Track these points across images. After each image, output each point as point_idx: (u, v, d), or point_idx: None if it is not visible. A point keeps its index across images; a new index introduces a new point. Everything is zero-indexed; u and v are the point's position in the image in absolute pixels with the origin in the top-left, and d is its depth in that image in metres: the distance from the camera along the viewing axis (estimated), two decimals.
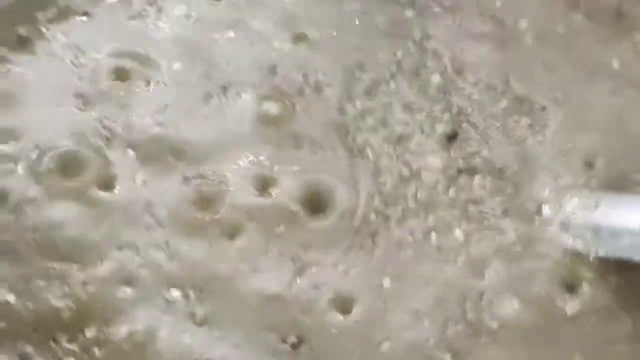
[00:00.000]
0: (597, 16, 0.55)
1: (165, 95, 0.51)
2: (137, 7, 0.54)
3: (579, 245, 0.47)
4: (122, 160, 0.48)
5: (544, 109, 0.52)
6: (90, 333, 0.44)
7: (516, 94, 0.52)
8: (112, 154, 0.48)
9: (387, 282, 0.46)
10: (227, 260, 0.46)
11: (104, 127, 0.49)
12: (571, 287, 0.46)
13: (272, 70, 0.52)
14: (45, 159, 0.48)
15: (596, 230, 0.46)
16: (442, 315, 0.45)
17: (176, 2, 0.54)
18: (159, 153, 0.48)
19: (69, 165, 0.48)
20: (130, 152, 0.48)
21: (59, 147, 0.48)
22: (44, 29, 0.52)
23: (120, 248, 0.46)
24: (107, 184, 0.48)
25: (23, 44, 0.52)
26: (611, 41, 0.54)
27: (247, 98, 0.51)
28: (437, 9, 0.54)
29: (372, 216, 0.47)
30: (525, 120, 0.51)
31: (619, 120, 0.51)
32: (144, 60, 0.52)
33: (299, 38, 0.53)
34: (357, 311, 0.45)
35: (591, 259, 0.46)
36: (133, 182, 0.48)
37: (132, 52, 0.52)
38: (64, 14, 0.53)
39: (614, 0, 0.56)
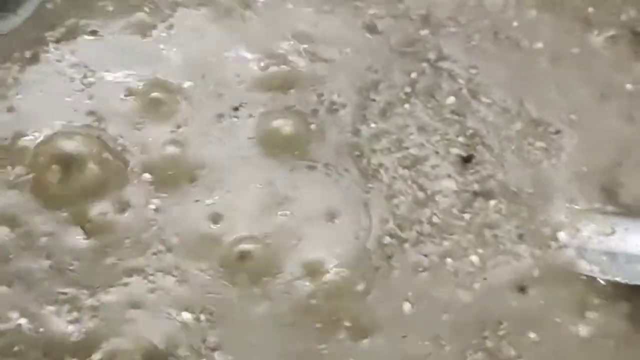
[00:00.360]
0: (611, 37, 0.55)
1: (177, 115, 0.50)
2: (148, 24, 0.54)
3: (595, 271, 0.46)
4: (137, 184, 0.48)
5: (558, 131, 0.51)
6: (98, 357, 0.43)
7: (531, 116, 0.51)
8: (129, 177, 0.48)
9: (407, 307, 0.45)
10: (239, 284, 0.46)
11: (120, 145, 0.49)
12: (585, 313, 0.45)
13: (285, 89, 0.51)
14: None
15: (612, 255, 0.46)
16: (461, 342, 0.45)
17: (187, 19, 0.54)
18: (173, 177, 0.48)
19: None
20: (147, 176, 0.48)
21: None
22: (52, 49, 0.52)
23: (129, 275, 0.45)
24: (121, 208, 0.47)
25: (32, 63, 0.52)
26: (626, 62, 0.54)
27: (260, 118, 0.50)
28: (452, 29, 0.54)
29: (387, 239, 0.47)
30: (540, 143, 0.51)
31: (634, 143, 0.51)
32: (154, 79, 0.51)
33: (313, 57, 0.52)
34: (376, 336, 0.44)
35: (603, 283, 0.46)
36: (145, 207, 0.47)
37: (142, 70, 0.52)
38: (72, 33, 0.53)
39: (629, 21, 0.56)
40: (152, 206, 0.47)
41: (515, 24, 0.55)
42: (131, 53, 0.53)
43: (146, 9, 0.54)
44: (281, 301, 0.45)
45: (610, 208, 0.48)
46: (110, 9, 0.54)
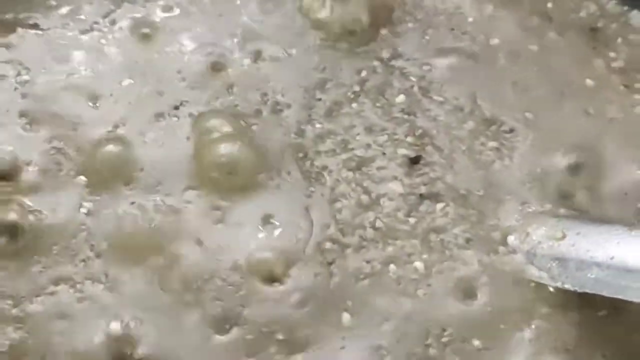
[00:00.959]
0: (570, 33, 0.53)
1: (116, 115, 0.48)
2: (89, 20, 0.52)
3: (544, 277, 0.44)
4: (71, 187, 0.46)
5: (512, 130, 0.49)
6: None
7: (484, 115, 0.49)
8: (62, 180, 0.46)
9: (346, 317, 0.43)
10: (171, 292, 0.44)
11: (54, 148, 0.47)
12: (532, 321, 0.44)
13: (229, 88, 0.50)
14: None
15: (563, 261, 0.44)
16: (403, 352, 0.43)
17: (129, 14, 0.52)
18: (108, 179, 0.46)
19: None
20: (82, 179, 0.46)
21: None
22: None
23: (56, 283, 0.43)
24: (51, 213, 0.45)
25: None
26: (585, 59, 0.52)
27: (201, 116, 0.48)
28: (410, 24, 0.52)
29: (328, 245, 0.45)
30: (492, 143, 0.49)
31: (591, 143, 0.49)
32: (93, 76, 0.49)
33: (257, 55, 0.51)
34: (311, 350, 0.42)
35: (552, 290, 0.44)
36: (77, 211, 0.45)
37: (82, 67, 0.50)
38: (10, 26, 0.51)
39: (588, 17, 0.54)
40: (84, 210, 0.45)
41: (470, 19, 0.53)
42: (71, 49, 0.51)
43: (89, 3, 0.53)
44: (213, 309, 0.43)
45: (563, 211, 0.47)
46: (53, 2, 0.53)
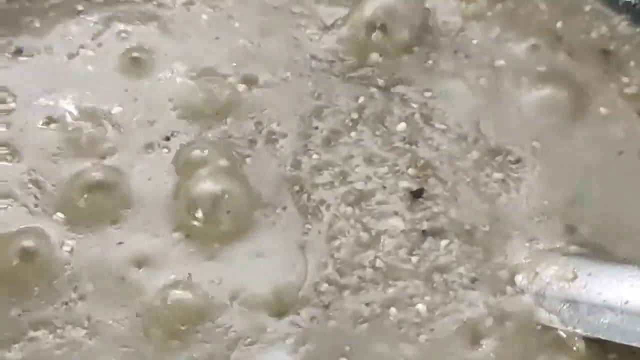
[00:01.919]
0: (581, 55, 0.51)
1: (102, 145, 0.46)
2: (76, 43, 0.49)
3: (554, 321, 0.42)
4: (49, 225, 0.43)
5: (519, 161, 0.47)
6: None
7: (489, 145, 0.47)
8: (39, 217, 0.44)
9: None
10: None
11: (32, 181, 0.45)
12: None
13: (222, 117, 0.47)
14: None
15: (574, 304, 0.41)
16: None
17: (117, 37, 0.50)
18: (91, 217, 0.44)
19: None
20: (60, 215, 0.44)
21: None
22: None
23: (35, 328, 0.41)
24: (28, 253, 0.42)
25: None
26: (597, 83, 0.50)
27: (192, 149, 0.46)
28: (416, 48, 0.50)
29: (324, 286, 0.43)
30: (498, 175, 0.46)
31: (602, 174, 0.47)
32: (80, 104, 0.47)
33: (252, 80, 0.48)
34: None
35: (564, 335, 0.42)
36: (59, 249, 0.43)
37: (68, 94, 0.47)
38: None
39: (600, 39, 0.51)
40: (67, 248, 0.43)
41: (475, 41, 0.50)
42: (57, 75, 0.48)
43: (77, 24, 0.50)
44: (200, 353, 0.40)
45: (574, 248, 0.44)
46: (37, 25, 0.50)
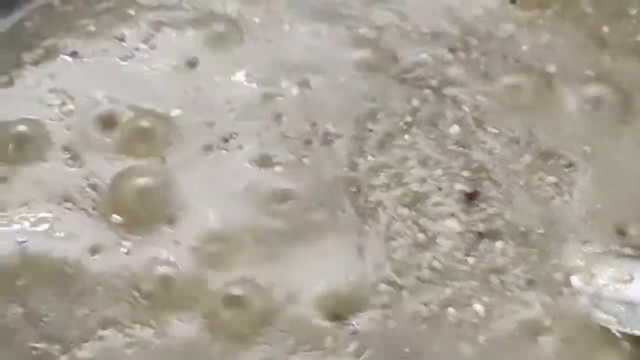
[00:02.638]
0: (627, 59, 0.51)
1: (161, 147, 0.47)
2: (130, 46, 0.50)
3: (612, 322, 0.42)
4: (106, 226, 0.44)
5: (571, 165, 0.47)
6: None
7: (540, 148, 0.47)
8: (97, 220, 0.44)
9: None
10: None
11: (91, 185, 0.45)
12: None
13: (278, 118, 0.48)
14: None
15: (631, 306, 0.42)
16: None
17: (171, 38, 0.50)
18: (148, 218, 0.44)
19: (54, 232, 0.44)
20: (116, 217, 0.45)
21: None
22: (29, 72, 0.49)
23: (104, 327, 0.42)
24: (91, 253, 0.44)
25: (7, 87, 0.48)
26: None
27: (250, 151, 0.46)
28: (461, 53, 0.50)
29: (383, 287, 0.43)
30: (551, 178, 0.47)
31: None
32: (138, 106, 0.48)
33: (306, 83, 0.49)
34: None
35: (620, 336, 0.42)
36: (118, 251, 0.44)
37: (124, 97, 0.48)
38: (51, 54, 0.49)
39: None
40: (124, 250, 0.44)
41: (525, 47, 0.51)
42: (113, 77, 0.49)
43: (130, 28, 0.51)
44: (263, 356, 0.41)
45: (628, 250, 0.45)
46: (92, 28, 0.51)
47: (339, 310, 0.42)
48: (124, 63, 0.50)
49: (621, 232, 0.45)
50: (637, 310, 0.42)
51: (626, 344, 0.42)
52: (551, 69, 0.50)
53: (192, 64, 0.49)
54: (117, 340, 0.42)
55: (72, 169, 0.46)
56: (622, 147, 0.48)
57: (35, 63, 0.49)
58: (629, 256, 0.44)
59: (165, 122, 0.47)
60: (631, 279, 0.43)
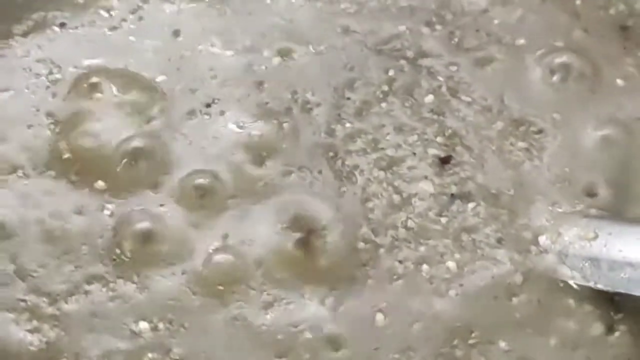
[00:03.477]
0: (599, 31, 0.53)
1: (147, 112, 0.48)
2: (117, 17, 0.52)
3: (576, 277, 0.44)
4: (88, 192, 0.46)
5: (541, 131, 0.49)
6: None
7: (512, 116, 0.49)
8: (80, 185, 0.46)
9: (380, 318, 0.44)
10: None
11: (70, 152, 0.47)
12: (559, 322, 0.44)
13: (259, 85, 0.50)
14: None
15: (595, 262, 0.44)
16: (430, 352, 0.43)
17: (158, 10, 0.52)
18: (132, 183, 0.46)
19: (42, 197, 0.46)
20: (101, 183, 0.46)
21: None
22: (18, 44, 0.50)
23: (89, 282, 0.44)
24: (76, 214, 0.45)
25: None
26: (615, 58, 0.52)
27: (231, 116, 0.48)
28: (437, 27, 0.52)
29: (361, 244, 0.45)
30: (521, 144, 0.49)
31: (620, 144, 0.49)
32: (125, 73, 0.49)
33: (287, 53, 0.51)
34: (346, 349, 0.43)
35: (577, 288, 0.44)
36: (101, 213, 0.45)
37: (111, 65, 0.50)
38: (40, 26, 0.51)
39: (618, 15, 0.54)
40: (107, 212, 0.45)
41: (496, 21, 0.53)
42: (101, 47, 0.51)
43: (116, 1, 0.52)
44: (239, 312, 0.43)
45: (593, 211, 0.47)
46: (80, 0, 0.53)
47: (317, 263, 0.44)
48: (110, 33, 0.51)
49: (588, 194, 0.47)
50: (600, 266, 0.44)
51: (586, 298, 0.44)
52: (521, 41, 0.52)
53: (176, 34, 0.51)
54: (101, 294, 0.43)
55: (51, 135, 0.47)
56: (590, 115, 0.50)
57: (25, 34, 0.51)
58: (594, 216, 0.46)
59: (151, 87, 0.49)
60: (595, 237, 0.45)
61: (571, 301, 0.44)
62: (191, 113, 0.48)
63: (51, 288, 0.43)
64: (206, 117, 0.48)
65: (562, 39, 0.52)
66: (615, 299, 0.44)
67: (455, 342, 0.43)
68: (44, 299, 0.43)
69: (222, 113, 0.48)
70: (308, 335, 0.43)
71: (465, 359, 0.43)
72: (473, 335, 0.43)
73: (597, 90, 0.51)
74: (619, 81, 0.51)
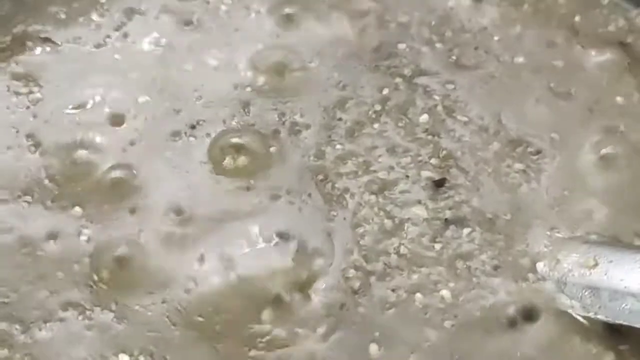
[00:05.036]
0: (598, 48, 0.51)
1: (129, 133, 0.47)
2: (102, 34, 0.50)
3: (576, 306, 0.43)
4: (66, 217, 0.44)
5: (539, 152, 0.48)
6: None
7: (509, 136, 0.48)
8: (56, 210, 0.44)
9: (374, 348, 0.42)
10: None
11: (48, 176, 0.45)
12: (563, 354, 0.42)
13: (245, 107, 0.48)
14: None
15: (595, 291, 0.42)
16: None
17: (144, 28, 0.50)
18: (111, 210, 0.44)
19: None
20: (77, 210, 0.44)
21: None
22: None
23: (64, 308, 0.42)
24: (52, 239, 0.44)
25: None
26: (614, 75, 0.50)
27: (217, 139, 0.46)
28: (438, 45, 0.50)
29: (351, 272, 0.43)
30: (519, 165, 0.47)
31: (620, 166, 0.47)
32: (107, 93, 0.48)
33: (275, 71, 0.49)
34: None
35: (584, 321, 0.42)
36: (78, 238, 0.44)
37: (94, 83, 0.48)
38: (21, 40, 0.49)
39: (618, 31, 0.52)
40: (84, 237, 0.44)
41: (496, 38, 0.51)
42: (85, 64, 0.49)
43: (101, 15, 0.51)
44: (227, 342, 0.41)
45: (594, 237, 0.45)
46: (63, 16, 0.51)
47: (307, 290, 0.43)
48: (96, 50, 0.49)
49: (588, 219, 0.46)
50: (600, 295, 0.42)
51: (589, 330, 0.42)
52: (520, 59, 0.51)
53: (159, 47, 0.49)
54: (77, 322, 0.42)
55: (33, 156, 0.46)
56: (589, 135, 0.48)
57: (3, 50, 0.49)
58: (594, 242, 0.44)
59: (134, 108, 0.47)
60: (595, 264, 0.43)
61: (575, 333, 0.42)
62: (176, 134, 0.47)
63: (24, 315, 0.42)
64: (192, 139, 0.47)
65: (561, 56, 0.51)
66: (621, 329, 0.42)
67: None
68: (17, 326, 0.42)
69: (207, 135, 0.47)
70: None
71: None
72: None
73: (594, 109, 0.49)
74: (619, 99, 0.49)
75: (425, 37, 0.51)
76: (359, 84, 0.49)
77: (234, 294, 0.42)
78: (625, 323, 0.41)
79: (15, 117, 0.47)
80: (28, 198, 0.45)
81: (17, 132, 0.46)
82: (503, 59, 0.50)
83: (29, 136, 0.46)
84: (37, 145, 0.46)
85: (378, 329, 0.42)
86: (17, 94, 0.48)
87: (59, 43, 0.50)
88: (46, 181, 0.45)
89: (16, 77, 0.48)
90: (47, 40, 0.50)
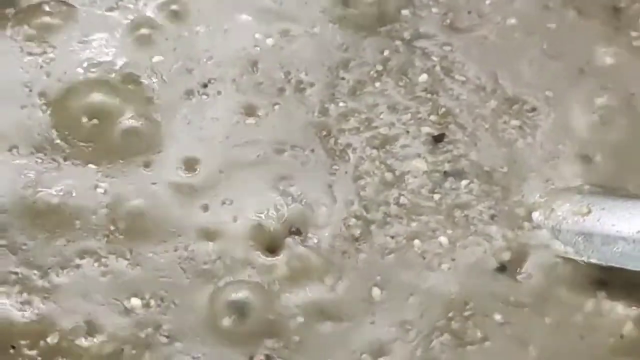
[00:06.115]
0: (591, 12, 0.53)
1: (145, 92, 0.48)
2: None
3: (570, 252, 0.44)
4: (82, 172, 0.46)
5: (534, 109, 0.49)
6: (52, 340, 0.42)
7: (506, 94, 0.49)
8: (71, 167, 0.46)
9: (376, 292, 0.44)
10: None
11: (59, 132, 0.47)
12: (554, 296, 0.44)
13: (253, 66, 0.50)
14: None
15: (588, 236, 0.44)
16: (426, 325, 0.43)
17: None
18: (125, 165, 0.46)
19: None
20: (92, 166, 0.46)
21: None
22: (12, 22, 0.50)
23: (81, 256, 0.44)
24: (69, 192, 0.45)
25: None
26: (606, 38, 0.52)
27: (228, 96, 0.48)
28: (434, 9, 0.52)
29: (352, 221, 0.45)
30: (515, 122, 0.49)
31: (612, 121, 0.49)
32: (121, 53, 0.49)
33: (281, 33, 0.51)
34: (345, 323, 0.43)
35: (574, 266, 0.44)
36: (95, 191, 0.45)
37: (108, 44, 0.49)
38: (37, 1, 0.51)
39: None
40: (100, 190, 0.45)
41: (488, 2, 0.53)
42: (98, 25, 0.50)
43: None
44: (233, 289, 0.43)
45: (587, 187, 0.47)
46: None
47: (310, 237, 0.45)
48: (109, 13, 0.51)
49: (582, 171, 0.47)
50: (593, 240, 0.44)
51: (581, 274, 0.44)
52: (512, 21, 0.52)
53: (174, 13, 0.51)
54: (92, 269, 0.44)
55: (45, 115, 0.47)
56: (582, 92, 0.50)
57: (18, 12, 0.50)
58: (587, 192, 0.46)
59: (148, 68, 0.49)
60: (588, 212, 0.45)
61: (564, 276, 0.44)
62: (190, 93, 0.49)
63: (42, 261, 0.44)
64: (204, 97, 0.49)
65: (554, 20, 0.52)
66: (602, 279, 0.44)
67: (451, 314, 0.43)
68: (35, 272, 0.43)
69: (219, 93, 0.49)
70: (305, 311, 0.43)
71: (461, 331, 0.43)
72: (468, 307, 0.43)
73: (586, 69, 0.51)
74: (609, 59, 0.51)
75: (424, 3, 0.53)
76: (361, 47, 0.51)
77: (242, 240, 0.44)
78: (616, 265, 0.43)
79: (29, 76, 0.48)
80: (41, 155, 0.46)
81: (30, 91, 0.48)
82: (496, 22, 0.52)
83: (41, 94, 0.48)
84: (49, 104, 0.48)
85: (379, 274, 0.44)
86: (31, 54, 0.49)
87: (74, 5, 0.51)
88: (58, 140, 0.47)
89: (30, 37, 0.49)
90: (62, 2, 0.52)
